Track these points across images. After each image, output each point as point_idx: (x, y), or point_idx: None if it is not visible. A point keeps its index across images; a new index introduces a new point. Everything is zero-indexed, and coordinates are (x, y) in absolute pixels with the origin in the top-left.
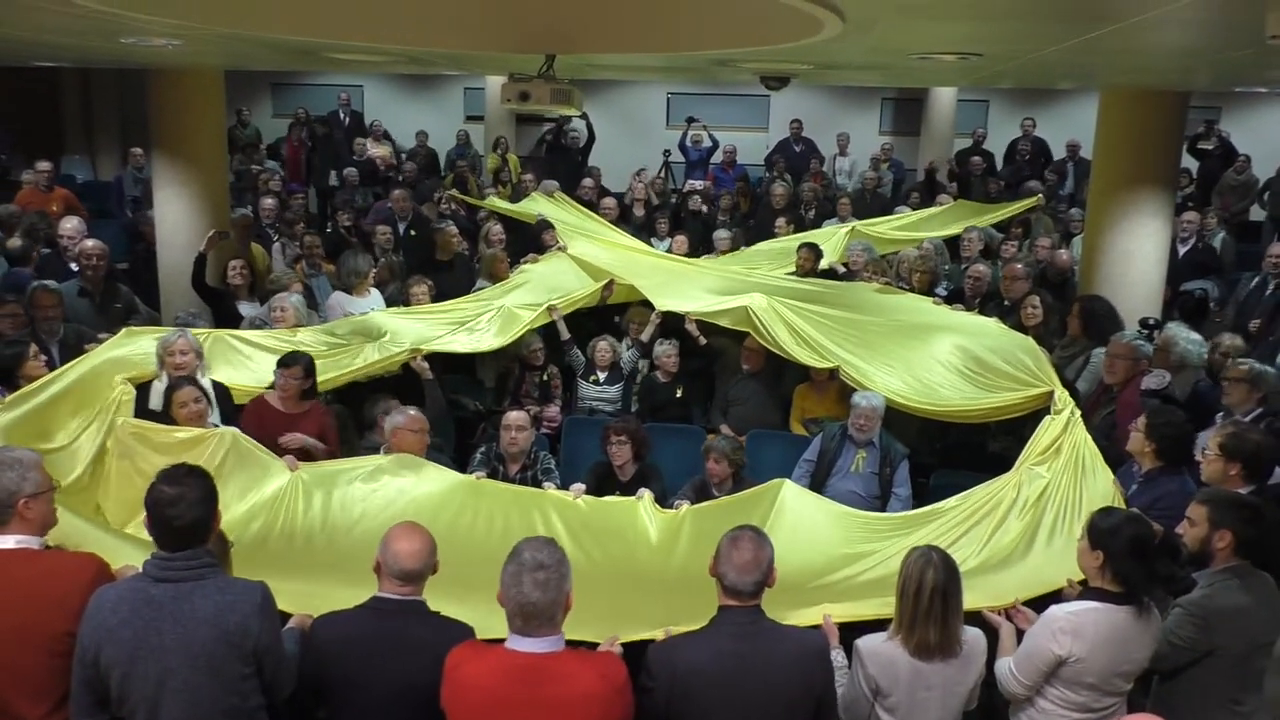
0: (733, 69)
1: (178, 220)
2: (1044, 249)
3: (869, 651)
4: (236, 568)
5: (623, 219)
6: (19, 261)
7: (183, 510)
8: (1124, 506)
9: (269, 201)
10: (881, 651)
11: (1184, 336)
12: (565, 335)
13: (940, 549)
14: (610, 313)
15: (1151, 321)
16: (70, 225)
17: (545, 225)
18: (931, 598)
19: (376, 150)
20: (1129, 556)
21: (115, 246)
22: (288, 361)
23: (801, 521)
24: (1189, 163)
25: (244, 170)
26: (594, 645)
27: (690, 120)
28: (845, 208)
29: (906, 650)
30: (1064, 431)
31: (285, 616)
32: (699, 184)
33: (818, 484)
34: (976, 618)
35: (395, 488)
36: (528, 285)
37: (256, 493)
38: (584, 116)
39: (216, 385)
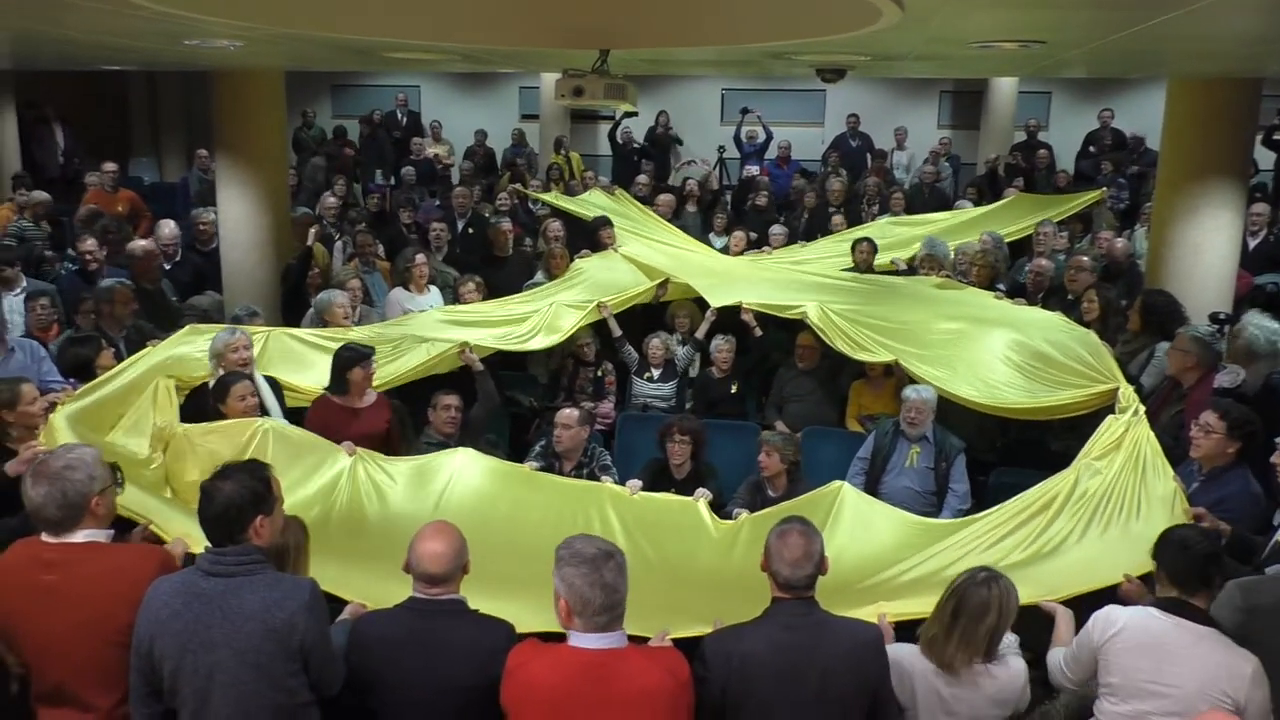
0: (788, 62)
1: (239, 219)
2: (1105, 241)
3: (892, 660)
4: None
5: (677, 216)
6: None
7: (211, 501)
8: (1185, 505)
9: (331, 200)
10: (900, 660)
11: (1254, 322)
12: (617, 332)
13: (1001, 575)
14: (662, 310)
15: (1222, 316)
16: (168, 231)
17: (603, 222)
18: (971, 619)
19: (435, 149)
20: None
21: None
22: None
23: (859, 524)
24: (1263, 156)
25: (312, 177)
26: (644, 640)
27: (744, 111)
28: (899, 203)
29: (930, 663)
30: (1127, 429)
31: (339, 604)
32: (755, 169)
33: (873, 481)
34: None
35: (451, 476)
36: (580, 282)
37: (313, 477)
38: (636, 114)
39: (270, 380)
